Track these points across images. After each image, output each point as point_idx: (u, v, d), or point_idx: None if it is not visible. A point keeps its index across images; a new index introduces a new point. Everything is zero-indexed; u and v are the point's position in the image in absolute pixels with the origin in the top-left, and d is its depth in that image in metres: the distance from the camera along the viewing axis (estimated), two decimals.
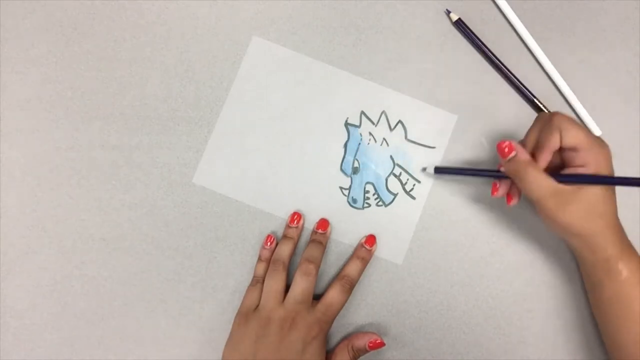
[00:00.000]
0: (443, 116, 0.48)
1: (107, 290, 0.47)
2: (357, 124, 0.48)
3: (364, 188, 0.48)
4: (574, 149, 0.38)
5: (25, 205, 0.47)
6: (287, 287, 0.44)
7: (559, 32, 0.49)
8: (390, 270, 0.47)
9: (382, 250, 0.47)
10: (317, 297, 0.44)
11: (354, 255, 0.46)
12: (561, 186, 0.38)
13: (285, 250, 0.45)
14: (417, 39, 0.49)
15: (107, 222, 0.47)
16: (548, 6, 0.49)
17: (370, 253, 0.46)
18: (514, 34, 0.49)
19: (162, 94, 0.49)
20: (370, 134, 0.48)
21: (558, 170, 0.40)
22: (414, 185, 0.48)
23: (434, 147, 0.48)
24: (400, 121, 0.48)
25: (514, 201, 0.43)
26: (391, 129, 0.48)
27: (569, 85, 0.48)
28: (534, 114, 0.48)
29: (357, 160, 0.48)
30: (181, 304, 0.47)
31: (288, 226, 0.47)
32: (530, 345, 0.46)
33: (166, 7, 0.50)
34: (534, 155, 0.40)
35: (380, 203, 0.47)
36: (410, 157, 0.48)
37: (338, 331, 0.46)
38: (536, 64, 0.49)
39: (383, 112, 0.48)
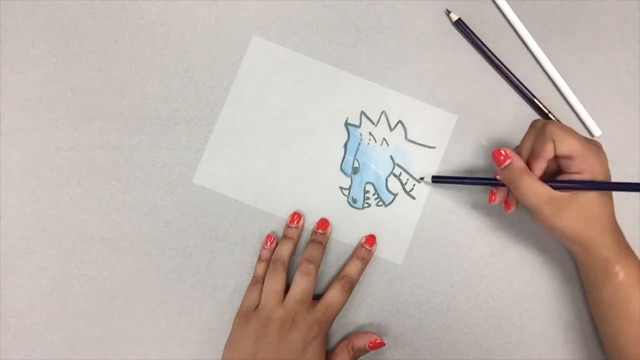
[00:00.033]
0: (443, 116, 0.48)
1: (107, 290, 0.47)
2: (357, 124, 0.48)
3: (364, 188, 0.48)
4: (569, 157, 0.38)
5: (25, 205, 0.47)
6: (287, 287, 0.44)
7: (559, 32, 0.49)
8: (390, 270, 0.47)
9: (382, 250, 0.47)
10: (317, 297, 0.44)
11: (354, 255, 0.46)
12: (556, 193, 0.38)
13: (285, 250, 0.45)
14: (417, 39, 0.49)
15: (107, 222, 0.47)
16: (548, 6, 0.49)
17: (370, 253, 0.46)
18: (514, 34, 0.49)
19: (162, 94, 0.49)
20: (370, 134, 0.48)
21: (555, 176, 0.40)
22: (414, 185, 0.48)
23: (434, 147, 0.48)
24: (400, 121, 0.48)
25: (512, 209, 0.43)
26: (391, 129, 0.48)
27: (569, 85, 0.48)
28: (534, 114, 0.48)
29: (357, 160, 0.48)
30: (181, 304, 0.47)
31: (288, 226, 0.47)
32: (530, 345, 0.46)
33: (166, 7, 0.50)
34: (529, 162, 0.40)
35: (380, 203, 0.47)
36: (410, 157, 0.48)
37: (338, 331, 0.46)
38: (536, 64, 0.49)
39: (383, 112, 0.48)
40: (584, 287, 0.44)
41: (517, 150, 0.42)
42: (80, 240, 0.47)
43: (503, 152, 0.40)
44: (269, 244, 0.46)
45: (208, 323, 0.46)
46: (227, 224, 0.47)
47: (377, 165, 0.48)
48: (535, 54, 0.48)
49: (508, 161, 0.39)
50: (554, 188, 0.38)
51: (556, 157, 0.39)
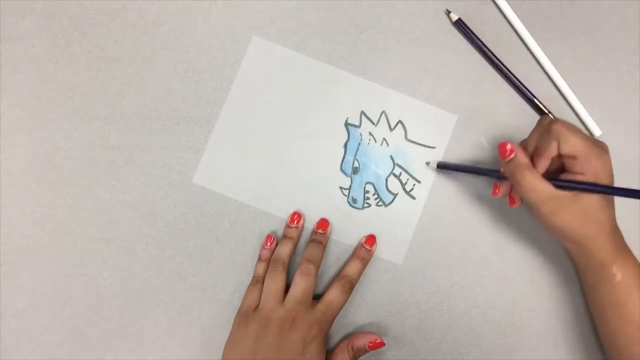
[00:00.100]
0: (443, 116, 0.48)
1: (107, 290, 0.47)
2: (357, 124, 0.48)
3: (364, 188, 0.48)
4: (572, 157, 0.38)
5: (25, 205, 0.47)
6: (287, 287, 0.44)
7: (559, 32, 0.49)
8: (390, 270, 0.47)
9: (382, 250, 0.47)
10: (317, 297, 0.44)
11: (354, 255, 0.46)
12: (557, 192, 0.38)
13: (285, 250, 0.45)
14: (417, 39, 0.49)
15: (107, 222, 0.47)
16: (548, 6, 0.49)
17: (370, 253, 0.46)
18: (514, 34, 0.49)
19: (162, 94, 0.49)
20: (370, 134, 0.48)
21: (560, 173, 0.40)
22: (414, 185, 0.48)
23: (434, 147, 0.48)
24: (400, 121, 0.48)
25: (516, 204, 0.43)
26: (391, 129, 0.48)
27: (569, 85, 0.48)
28: (534, 114, 0.48)
29: (357, 160, 0.48)
30: (181, 304, 0.47)
31: (288, 226, 0.47)
32: (530, 345, 0.46)
33: (166, 7, 0.50)
34: (533, 159, 0.40)
35: (380, 203, 0.47)
36: (410, 157, 0.48)
37: (338, 331, 0.46)
38: (536, 64, 0.49)
39: (383, 112, 0.48)
40: (583, 287, 0.44)
41: (523, 145, 0.42)
42: (80, 240, 0.47)
43: (509, 146, 0.40)
44: (269, 244, 0.46)
45: (208, 323, 0.46)
46: (227, 224, 0.47)
47: (377, 165, 0.48)
48: (535, 54, 0.48)
49: (512, 155, 0.39)
50: (556, 186, 0.38)
51: (560, 156, 0.39)
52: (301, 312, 0.42)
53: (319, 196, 0.48)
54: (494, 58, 0.48)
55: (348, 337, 0.45)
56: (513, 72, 0.48)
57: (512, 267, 0.47)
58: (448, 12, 0.49)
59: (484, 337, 0.46)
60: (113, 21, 0.49)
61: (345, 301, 0.44)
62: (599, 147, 0.39)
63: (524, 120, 0.48)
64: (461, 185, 0.48)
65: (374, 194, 0.48)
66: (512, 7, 0.49)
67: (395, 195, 0.48)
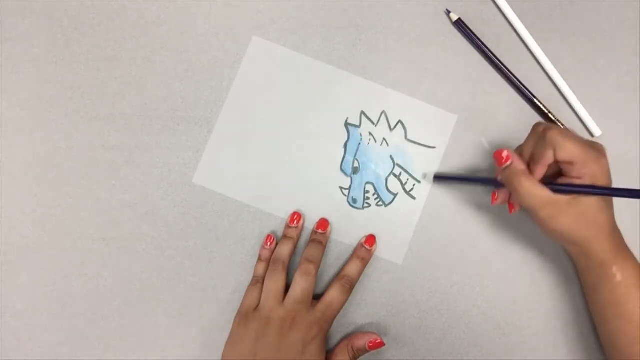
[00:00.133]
0: (443, 116, 0.48)
1: (107, 290, 0.47)
2: (357, 124, 0.48)
3: (364, 188, 0.48)
4: (569, 163, 0.38)
5: (25, 205, 0.47)
6: (287, 287, 0.44)
7: (559, 32, 0.49)
8: (390, 270, 0.47)
9: (382, 250, 0.47)
10: (317, 297, 0.44)
11: (354, 255, 0.46)
12: (555, 196, 0.38)
13: (285, 250, 0.45)
14: (417, 39, 0.49)
15: (107, 222, 0.47)
16: (548, 6, 0.49)
17: (370, 253, 0.46)
18: (514, 34, 0.49)
19: (162, 94, 0.49)
20: (370, 134, 0.48)
21: (557, 177, 0.40)
22: (414, 185, 0.48)
23: (434, 147, 0.48)
24: (400, 121, 0.48)
25: (516, 209, 0.42)
26: (391, 129, 0.48)
27: (569, 85, 0.48)
28: (534, 114, 0.48)
29: (357, 160, 0.48)
30: (181, 304, 0.47)
31: (288, 226, 0.47)
32: (530, 345, 0.46)
33: (166, 7, 0.50)
34: (529, 166, 0.40)
35: (380, 203, 0.47)
36: (410, 157, 0.48)
37: (338, 331, 0.46)
38: (536, 64, 0.49)
39: (383, 112, 0.48)
40: (583, 287, 0.44)
41: (519, 151, 0.41)
42: (80, 240, 0.47)
43: (505, 153, 0.40)
44: (269, 244, 0.46)
45: (208, 323, 0.46)
46: (227, 224, 0.47)
47: (377, 165, 0.48)
48: (535, 54, 0.48)
49: (509, 162, 0.39)
50: (553, 191, 0.38)
51: (557, 162, 0.39)
52: (301, 312, 0.42)
53: (319, 196, 0.48)
54: (494, 58, 0.48)
55: (348, 337, 0.45)
56: (513, 72, 0.48)
57: (512, 267, 0.47)
58: (448, 12, 0.49)
59: (484, 337, 0.46)
60: (113, 21, 0.49)
61: (345, 301, 0.44)
62: (596, 150, 0.39)
63: (524, 120, 0.48)
64: (461, 185, 0.47)
65: (374, 194, 0.48)
66: (512, 7, 0.49)
67: (395, 195, 0.48)
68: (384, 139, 0.48)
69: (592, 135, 0.48)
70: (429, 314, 0.46)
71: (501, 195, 0.43)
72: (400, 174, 0.48)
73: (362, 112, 0.48)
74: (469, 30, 0.48)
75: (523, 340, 0.46)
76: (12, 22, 0.49)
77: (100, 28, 0.49)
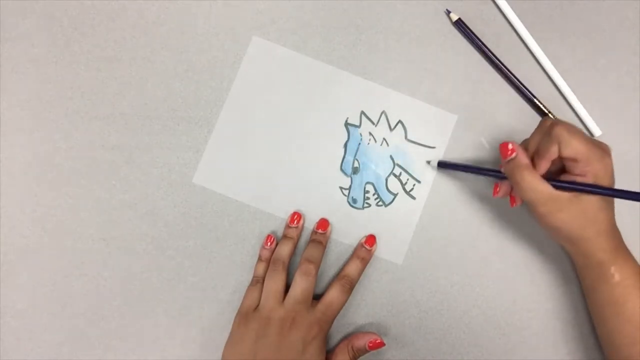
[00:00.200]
0: (443, 116, 0.48)
1: (107, 290, 0.47)
2: (357, 124, 0.48)
3: (364, 188, 0.48)
4: (573, 160, 0.38)
5: (25, 205, 0.47)
6: (287, 287, 0.44)
7: (559, 32, 0.49)
8: (390, 270, 0.47)
9: (382, 250, 0.47)
10: (317, 297, 0.44)
11: (354, 255, 0.46)
12: (557, 192, 0.38)
13: (285, 250, 0.45)
14: (417, 39, 0.49)
15: (107, 222, 0.47)
16: (548, 6, 0.49)
17: (370, 253, 0.46)
18: (514, 34, 0.49)
19: (162, 94, 0.49)
20: (370, 134, 0.48)
21: (560, 173, 0.40)
22: (414, 185, 0.48)
23: (434, 147, 0.48)
24: (400, 121, 0.48)
25: (517, 203, 0.43)
26: (391, 129, 0.48)
27: (569, 85, 0.48)
28: (534, 114, 0.48)
29: (357, 160, 0.48)
30: (181, 304, 0.47)
31: (288, 226, 0.47)
32: (530, 345, 0.46)
33: (166, 7, 0.50)
34: (533, 160, 0.40)
35: (380, 203, 0.47)
36: (410, 157, 0.48)
37: (338, 331, 0.46)
38: (536, 64, 0.49)
39: (383, 112, 0.48)
40: (582, 287, 0.44)
41: (524, 145, 0.41)
42: (80, 240, 0.47)
43: (510, 146, 0.40)
44: (269, 244, 0.46)
45: (208, 323, 0.46)
46: (227, 224, 0.47)
47: (377, 165, 0.48)
48: (535, 54, 0.48)
49: (513, 155, 0.39)
50: (555, 187, 0.38)
51: (561, 158, 0.39)
52: (301, 312, 0.42)
53: (319, 196, 0.48)
54: (494, 58, 0.48)
55: (348, 337, 0.45)
56: (513, 72, 0.48)
57: (512, 267, 0.47)
58: (448, 12, 0.49)
59: (484, 337, 0.46)
60: (113, 21, 0.49)
61: (345, 301, 0.44)
62: (601, 149, 0.39)
63: (524, 120, 0.48)
64: (461, 185, 0.47)
65: (374, 194, 0.48)
66: (512, 7, 0.49)
67: (395, 195, 0.48)
68: (384, 139, 0.48)
69: (592, 135, 0.48)
70: (429, 314, 0.46)
71: (503, 188, 0.43)
72: (400, 174, 0.48)
73: (362, 112, 0.48)
74: (469, 30, 0.48)
75: (523, 340, 0.46)
76: (12, 22, 0.49)
77: (100, 28, 0.49)
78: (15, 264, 0.47)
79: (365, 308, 0.46)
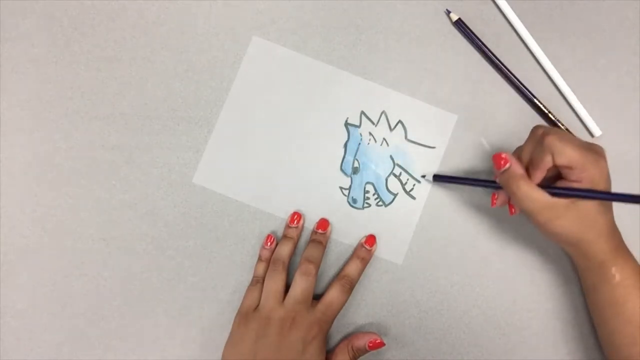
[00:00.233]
0: (443, 116, 0.48)
1: (107, 290, 0.47)
2: (357, 124, 0.48)
3: (364, 188, 0.48)
4: (568, 167, 0.38)
5: (25, 205, 0.47)
6: (287, 287, 0.44)
7: (559, 32, 0.49)
8: (390, 270, 0.47)
9: (382, 250, 0.47)
10: (317, 297, 0.44)
11: (354, 255, 0.46)
12: (554, 200, 0.38)
13: (285, 250, 0.45)
14: (417, 39, 0.49)
15: (107, 222, 0.47)
16: (548, 6, 0.49)
17: (370, 253, 0.46)
18: (514, 34, 0.49)
19: (162, 94, 0.49)
20: (370, 134, 0.48)
21: (556, 179, 0.40)
22: (414, 185, 0.48)
23: (434, 147, 0.48)
24: (400, 121, 0.48)
25: (516, 211, 0.42)
26: (391, 129, 0.48)
27: (569, 85, 0.48)
28: (534, 114, 0.48)
29: (357, 160, 0.48)
30: (181, 304, 0.47)
31: (288, 226, 0.47)
32: (530, 345, 0.46)
33: (166, 7, 0.50)
34: (528, 170, 0.40)
35: (380, 203, 0.47)
36: (410, 157, 0.48)
37: (338, 331, 0.46)
38: (536, 64, 0.49)
39: (383, 112, 0.48)
40: (582, 288, 0.44)
41: (517, 153, 0.41)
42: (80, 240, 0.47)
43: (503, 156, 0.39)
44: (269, 244, 0.46)
45: (208, 323, 0.46)
46: (227, 224, 0.47)
47: (377, 165, 0.48)
48: (535, 54, 0.48)
49: (507, 165, 0.39)
50: (552, 194, 0.38)
51: (556, 166, 0.39)
52: (301, 312, 0.42)
53: (319, 196, 0.48)
54: (494, 58, 0.48)
55: (348, 337, 0.45)
56: (513, 72, 0.48)
57: (512, 267, 0.47)
58: (448, 12, 0.49)
59: (484, 337, 0.46)
60: (113, 21, 0.49)
61: (345, 301, 0.44)
62: (595, 153, 0.38)
63: (524, 121, 0.48)
64: (460, 185, 0.47)
65: (374, 194, 0.48)
66: (512, 7, 0.49)
67: (395, 195, 0.48)
68: (384, 139, 0.48)
69: (592, 135, 0.48)
70: (429, 314, 0.46)
71: (501, 197, 0.43)
72: (400, 174, 0.48)
73: (362, 112, 0.48)
74: (469, 30, 0.48)
75: (523, 340, 0.46)
76: (12, 22, 0.49)
77: (100, 28, 0.49)
78: (15, 264, 0.47)
79: (365, 308, 0.46)
